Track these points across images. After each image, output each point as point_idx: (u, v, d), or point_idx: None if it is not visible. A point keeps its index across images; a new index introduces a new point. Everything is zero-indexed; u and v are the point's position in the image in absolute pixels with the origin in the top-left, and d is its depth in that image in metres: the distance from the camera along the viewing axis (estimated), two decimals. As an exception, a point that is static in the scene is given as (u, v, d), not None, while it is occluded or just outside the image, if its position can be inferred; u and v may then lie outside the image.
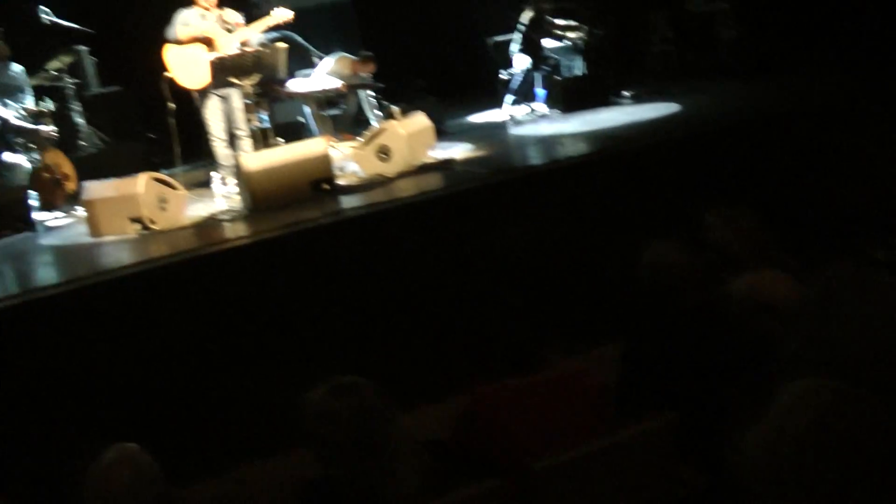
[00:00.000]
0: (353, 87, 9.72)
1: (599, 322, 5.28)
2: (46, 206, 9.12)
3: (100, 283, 6.00)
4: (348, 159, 8.23)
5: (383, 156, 7.57)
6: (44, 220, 8.86)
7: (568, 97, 9.86)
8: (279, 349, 5.68)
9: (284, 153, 7.29)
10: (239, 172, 7.09)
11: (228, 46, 7.83)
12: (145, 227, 7.09)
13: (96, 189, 7.42)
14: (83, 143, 10.43)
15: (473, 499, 3.02)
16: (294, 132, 9.35)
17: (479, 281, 6.03)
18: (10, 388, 5.36)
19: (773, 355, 2.70)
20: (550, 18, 10.30)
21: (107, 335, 5.66)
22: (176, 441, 2.85)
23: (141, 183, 7.14)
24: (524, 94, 10.23)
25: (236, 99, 7.98)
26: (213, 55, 7.60)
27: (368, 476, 2.79)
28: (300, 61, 9.43)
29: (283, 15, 7.93)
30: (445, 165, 7.60)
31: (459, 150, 8.23)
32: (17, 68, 10.49)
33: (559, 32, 10.51)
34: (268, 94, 8.92)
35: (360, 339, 5.71)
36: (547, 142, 8.62)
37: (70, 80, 10.51)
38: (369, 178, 7.49)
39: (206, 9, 7.90)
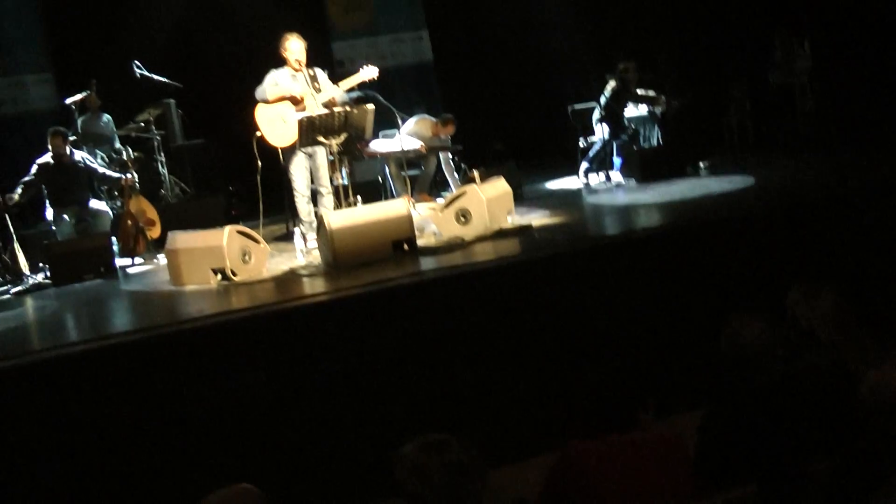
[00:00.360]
0: (432, 149, 9.86)
1: (690, 388, 5.27)
2: (127, 252, 9.34)
3: (182, 331, 6.12)
4: (427, 220, 8.33)
5: (463, 219, 7.65)
6: (125, 266, 9.08)
7: (644, 167, 9.90)
8: (367, 404, 5.76)
9: (368, 212, 7.40)
10: (322, 229, 7.21)
11: (316, 105, 8.01)
12: (226, 279, 7.23)
13: (181, 239, 7.58)
14: (165, 193, 10.69)
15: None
16: (373, 191, 9.49)
17: (560, 344, 6.08)
18: (88, 433, 5.50)
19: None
20: (633, 89, 10.40)
21: (187, 383, 5.77)
22: (267, 491, 2.89)
23: (225, 235, 7.29)
24: (601, 163, 10.31)
25: (321, 156, 8.15)
26: (302, 114, 7.75)
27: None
28: (382, 121, 9.59)
29: (369, 73, 8.10)
30: (523, 231, 7.65)
31: (536, 217, 8.29)
32: (106, 118, 10.85)
33: (639, 102, 10.60)
34: (350, 152, 9.07)
35: (450, 397, 5.77)
36: (623, 211, 8.66)
37: (156, 132, 10.80)
38: (448, 240, 7.56)
39: (296, 69, 8.10)
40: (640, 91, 10.53)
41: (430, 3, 12.69)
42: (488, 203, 7.64)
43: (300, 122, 7.61)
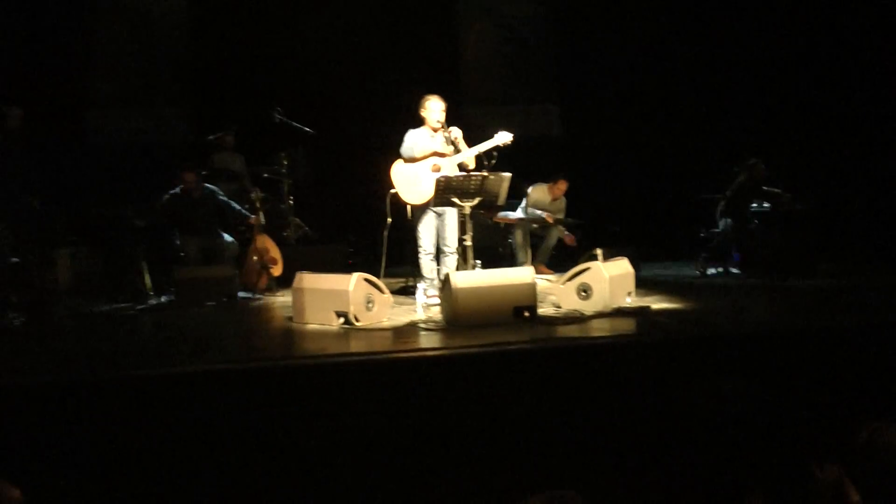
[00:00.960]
0: (557, 221, 10.03)
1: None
2: (250, 286, 9.66)
3: (302, 366, 6.32)
4: (548, 291, 8.46)
5: (584, 294, 7.75)
6: (246, 298, 9.40)
7: (765, 263, 9.89)
8: (478, 459, 5.86)
9: (493, 276, 7.55)
10: (447, 287, 7.37)
11: (452, 166, 8.23)
12: (348, 323, 7.43)
13: (308, 279, 7.82)
14: (289, 235, 11.02)
15: None
16: (490, 256, 9.67)
17: (669, 427, 6.11)
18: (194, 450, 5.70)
19: None
20: (760, 185, 10.44)
21: (298, 416, 5.95)
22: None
23: (353, 281, 7.49)
24: (721, 255, 10.34)
25: (450, 217, 8.36)
26: (440, 174, 7.97)
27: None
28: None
29: (503, 138, 8.23)
30: (641, 312, 7.72)
31: (653, 300, 8.35)
32: (239, 158, 11.28)
33: (765, 199, 10.62)
34: (476, 216, 9.26)
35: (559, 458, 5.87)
36: (740, 304, 8.63)
37: (286, 175, 11.17)
38: (567, 312, 7.68)
39: (435, 129, 8.34)
40: (766, 188, 10.56)
41: (563, 78, 12.92)
42: (610, 281, 7.73)
43: (438, 181, 7.83)
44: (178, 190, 9.90)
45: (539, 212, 10.22)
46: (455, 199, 7.87)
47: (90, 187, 11.29)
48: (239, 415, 5.92)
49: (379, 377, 6.28)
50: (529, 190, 10.65)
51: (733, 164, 10.63)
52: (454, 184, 7.82)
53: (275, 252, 9.98)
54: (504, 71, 13.10)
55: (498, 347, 6.59)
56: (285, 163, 11.16)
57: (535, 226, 10.66)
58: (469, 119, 12.54)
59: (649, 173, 12.43)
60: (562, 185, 10.80)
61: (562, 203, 11.11)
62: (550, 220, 9.79)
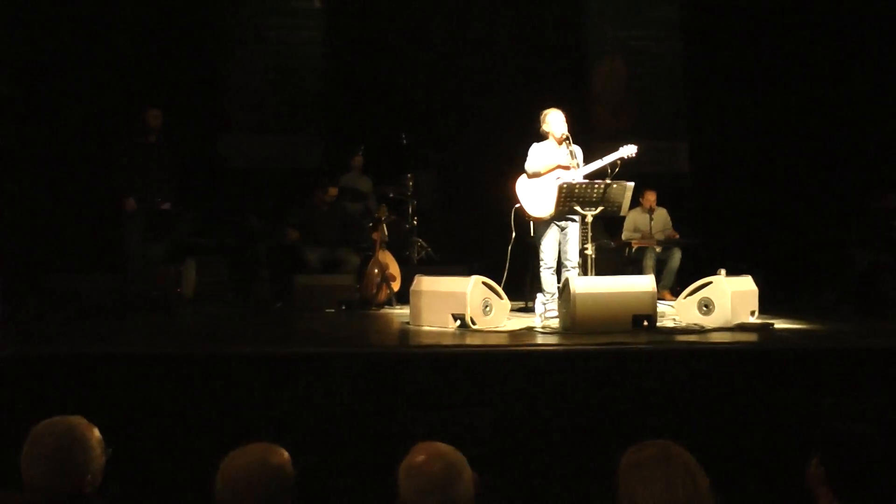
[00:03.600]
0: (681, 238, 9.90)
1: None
2: (368, 297, 9.77)
3: (415, 354, 6.37)
4: (668, 306, 8.33)
5: (705, 308, 7.57)
6: (363, 309, 9.53)
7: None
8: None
9: (613, 283, 7.46)
10: (566, 292, 7.30)
11: (576, 177, 8.18)
12: (464, 325, 7.40)
13: (427, 281, 7.86)
14: (411, 254, 11.11)
15: None
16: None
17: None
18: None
19: None
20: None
21: (411, 403, 5.95)
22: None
23: (471, 283, 7.49)
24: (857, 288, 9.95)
25: (572, 231, 8.28)
26: (562, 181, 7.94)
27: None
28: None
29: (628, 150, 8.17)
30: (765, 328, 7.50)
31: (781, 321, 8.07)
32: (366, 178, 11.49)
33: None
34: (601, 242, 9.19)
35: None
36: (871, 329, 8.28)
37: (411, 196, 11.30)
38: (686, 325, 7.52)
39: (559, 141, 8.32)
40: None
41: (694, 115, 12.80)
42: (733, 296, 7.54)
43: (560, 187, 7.78)
44: (309, 204, 10.22)
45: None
46: (577, 207, 7.81)
47: (221, 205, 11.59)
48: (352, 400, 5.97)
49: (495, 367, 6.23)
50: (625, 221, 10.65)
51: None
52: (577, 190, 7.76)
53: (394, 269, 10.06)
54: (633, 107, 13.03)
55: (613, 347, 6.49)
56: (411, 184, 11.29)
57: (658, 249, 10.54)
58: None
59: (777, 213, 12.11)
60: (650, 196, 10.73)
61: (663, 213, 11.09)
62: (676, 235, 9.63)
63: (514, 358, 6.31)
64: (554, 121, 8.34)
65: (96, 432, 3.34)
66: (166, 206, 9.73)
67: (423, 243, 11.35)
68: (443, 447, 3.08)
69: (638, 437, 5.18)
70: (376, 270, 9.87)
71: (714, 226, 11.61)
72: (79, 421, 3.33)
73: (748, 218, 11.97)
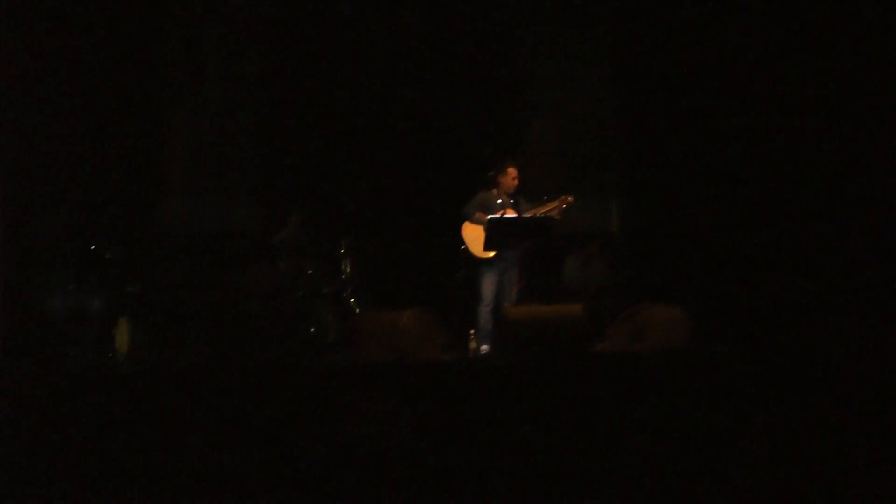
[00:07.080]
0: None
1: None
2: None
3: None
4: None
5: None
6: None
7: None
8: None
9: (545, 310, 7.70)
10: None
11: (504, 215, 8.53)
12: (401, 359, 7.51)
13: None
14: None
15: None
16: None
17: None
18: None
19: None
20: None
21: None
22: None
23: (405, 316, 7.74)
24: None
25: (512, 272, 8.63)
26: (493, 216, 8.38)
27: None
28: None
29: (565, 200, 8.55)
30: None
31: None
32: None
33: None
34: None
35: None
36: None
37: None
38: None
39: (507, 194, 8.74)
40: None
41: (625, 172, 13.05)
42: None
43: (490, 220, 8.27)
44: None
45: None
46: (508, 242, 8.27)
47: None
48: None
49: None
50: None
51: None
52: (505, 225, 8.21)
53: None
54: (564, 166, 13.20)
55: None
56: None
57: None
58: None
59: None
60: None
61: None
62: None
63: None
64: (510, 175, 8.75)
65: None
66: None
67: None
68: None
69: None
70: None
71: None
72: None
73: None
